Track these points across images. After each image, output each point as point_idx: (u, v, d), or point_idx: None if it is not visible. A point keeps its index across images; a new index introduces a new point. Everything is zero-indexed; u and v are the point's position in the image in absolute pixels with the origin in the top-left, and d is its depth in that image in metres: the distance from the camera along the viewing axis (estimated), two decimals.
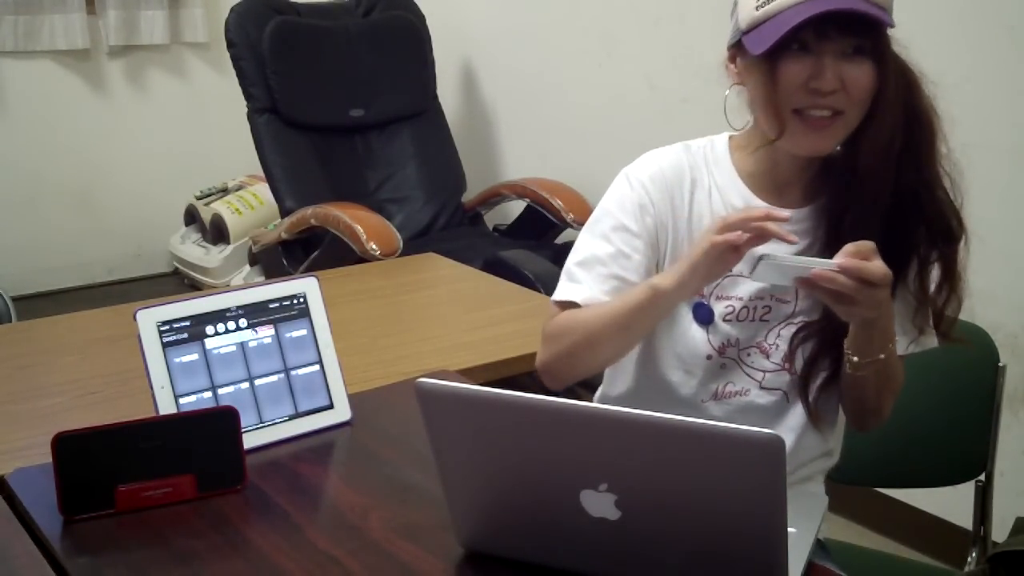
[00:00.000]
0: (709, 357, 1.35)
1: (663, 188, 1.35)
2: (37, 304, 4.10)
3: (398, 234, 3.08)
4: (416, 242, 3.34)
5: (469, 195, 3.78)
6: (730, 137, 1.39)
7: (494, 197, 3.72)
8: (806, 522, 1.20)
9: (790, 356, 1.34)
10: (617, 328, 1.28)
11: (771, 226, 1.16)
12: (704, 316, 1.34)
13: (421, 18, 3.85)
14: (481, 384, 1.03)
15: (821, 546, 1.44)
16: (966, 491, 1.63)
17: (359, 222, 3.07)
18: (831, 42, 1.22)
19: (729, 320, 1.34)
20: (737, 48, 1.29)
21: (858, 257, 1.14)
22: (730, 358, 1.35)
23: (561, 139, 3.67)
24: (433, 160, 3.76)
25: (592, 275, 1.34)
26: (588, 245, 1.36)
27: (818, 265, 1.14)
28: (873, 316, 1.19)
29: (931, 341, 1.34)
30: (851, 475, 1.69)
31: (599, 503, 0.94)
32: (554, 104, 3.71)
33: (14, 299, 2.69)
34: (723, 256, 1.19)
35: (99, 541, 1.11)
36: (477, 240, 3.53)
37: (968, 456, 1.61)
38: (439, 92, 3.86)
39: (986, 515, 1.62)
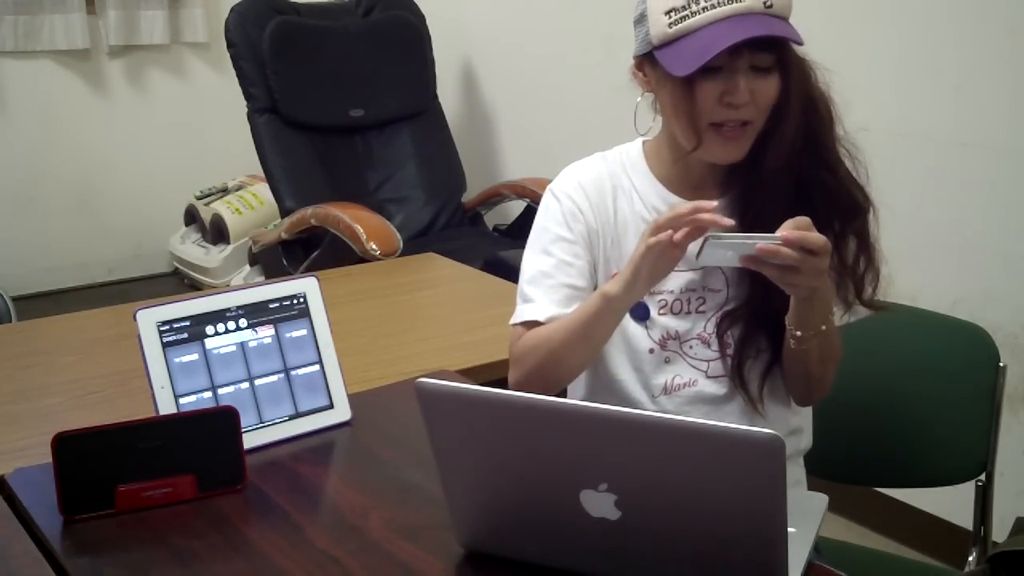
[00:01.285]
0: (651, 351, 1.40)
1: (588, 196, 1.42)
2: (37, 304, 4.10)
3: (398, 234, 3.08)
4: (416, 242, 3.34)
5: (469, 195, 3.78)
6: (643, 143, 1.45)
7: (494, 197, 3.71)
8: (806, 522, 1.20)
9: (719, 343, 1.39)
10: (577, 339, 1.34)
11: (703, 216, 1.20)
12: (640, 313, 1.39)
13: (421, 18, 3.85)
14: (481, 384, 1.04)
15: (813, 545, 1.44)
16: (966, 491, 1.63)
17: (359, 222, 3.06)
18: (742, 59, 1.26)
19: (664, 313, 1.40)
20: (646, 58, 1.34)
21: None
22: (672, 351, 1.40)
23: (561, 139, 3.67)
24: (433, 160, 3.76)
25: (542, 290, 1.40)
26: (532, 263, 1.43)
27: (761, 240, 1.18)
28: (816, 285, 1.23)
29: (863, 311, 1.39)
30: (851, 475, 1.69)
31: (599, 503, 0.94)
32: (554, 104, 3.71)
33: (14, 299, 2.69)
34: (664, 254, 1.23)
35: (99, 541, 1.11)
36: (477, 240, 3.53)
37: (968, 456, 1.61)
38: (439, 92, 3.86)
39: (986, 515, 1.62)
